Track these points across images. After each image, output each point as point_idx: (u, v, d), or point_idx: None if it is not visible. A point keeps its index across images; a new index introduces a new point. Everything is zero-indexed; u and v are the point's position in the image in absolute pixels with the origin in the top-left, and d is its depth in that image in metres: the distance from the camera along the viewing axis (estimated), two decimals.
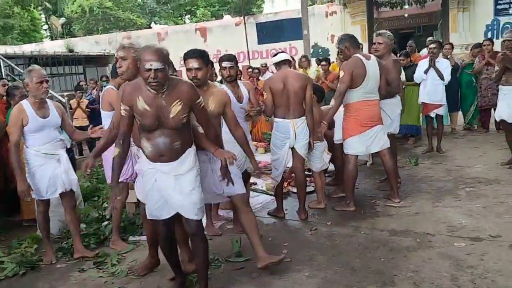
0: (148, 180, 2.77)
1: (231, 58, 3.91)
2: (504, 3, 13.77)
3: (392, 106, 4.78)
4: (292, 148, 4.17)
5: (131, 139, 2.86)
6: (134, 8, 27.24)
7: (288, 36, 16.48)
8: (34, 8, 25.62)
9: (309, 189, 4.68)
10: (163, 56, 2.52)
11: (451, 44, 7.85)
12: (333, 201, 4.68)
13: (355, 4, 14.98)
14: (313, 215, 4.34)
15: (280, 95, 4.04)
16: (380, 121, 4.34)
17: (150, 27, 22.93)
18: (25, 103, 3.62)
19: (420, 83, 6.48)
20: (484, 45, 7.37)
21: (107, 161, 3.80)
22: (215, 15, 27.08)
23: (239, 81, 4.09)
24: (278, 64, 4.19)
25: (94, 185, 5.59)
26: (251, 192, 4.77)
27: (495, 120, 6.09)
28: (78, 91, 9.11)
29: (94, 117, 8.48)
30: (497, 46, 8.11)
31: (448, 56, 7.23)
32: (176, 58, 4.06)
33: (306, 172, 4.49)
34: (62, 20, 26.84)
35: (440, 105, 6.38)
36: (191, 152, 2.74)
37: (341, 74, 4.17)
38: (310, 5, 17.28)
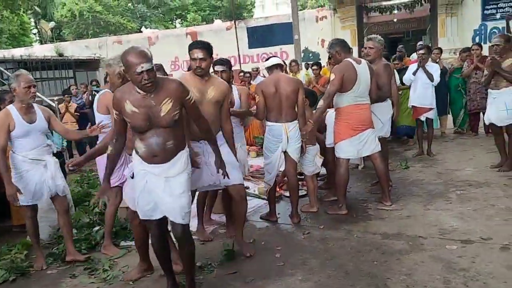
0: (139, 181, 2.78)
1: (224, 62, 3.93)
2: (491, 8, 13.97)
3: (383, 110, 4.80)
4: (285, 152, 4.18)
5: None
6: (125, 12, 27.19)
7: (278, 40, 16.54)
8: (23, 12, 25.35)
9: (301, 192, 4.68)
10: (148, 56, 2.55)
11: (440, 49, 8.00)
12: (325, 204, 4.69)
13: (345, 9, 15.10)
14: (305, 219, 4.34)
15: (272, 99, 4.05)
16: (371, 125, 4.36)
17: (140, 31, 22.85)
18: (12, 108, 3.57)
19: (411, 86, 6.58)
20: (473, 50, 7.47)
21: (100, 164, 3.78)
22: (205, 20, 27.13)
23: (232, 86, 4.11)
24: (270, 68, 4.20)
25: (85, 190, 5.54)
26: None
27: (484, 123, 6.16)
28: (66, 95, 9.05)
29: (83, 121, 8.43)
30: (485, 50, 8.24)
31: (437, 60, 7.33)
32: (167, 62, 4.07)
33: (298, 176, 4.50)
34: (52, 24, 26.69)
35: (430, 109, 6.46)
36: (183, 154, 2.74)
37: (332, 76, 4.19)
38: (301, 10, 17.36)
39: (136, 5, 28.35)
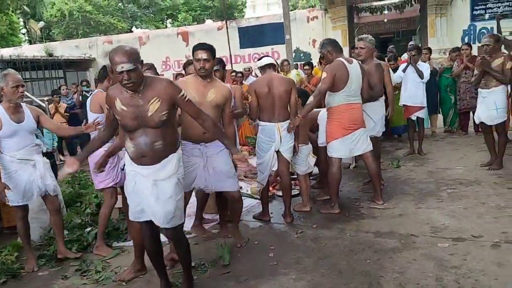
0: (129, 182, 2.78)
1: (217, 61, 3.93)
2: (480, 9, 14.12)
3: (375, 109, 4.83)
4: (278, 152, 4.19)
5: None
6: (115, 12, 26.98)
7: (270, 40, 16.56)
8: (12, 11, 25.09)
9: (294, 192, 4.69)
10: (132, 56, 2.52)
11: (429, 49, 8.11)
12: (318, 204, 4.71)
13: (335, 9, 15.16)
14: (298, 218, 4.35)
15: (265, 99, 4.06)
16: (363, 124, 4.38)
17: (131, 31, 22.73)
18: None
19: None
20: (463, 49, 7.55)
21: (92, 166, 3.75)
22: (196, 20, 27.04)
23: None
24: (263, 68, 4.20)
25: (76, 190, 5.49)
26: None
27: (474, 122, 6.22)
28: (55, 95, 8.97)
29: (74, 122, 8.36)
30: (474, 50, 8.33)
31: (426, 61, 7.41)
32: (158, 62, 4.07)
33: (291, 176, 4.51)
34: (41, 24, 26.42)
35: (421, 108, 6.52)
36: (174, 157, 2.71)
37: (324, 75, 4.20)
38: (292, 10, 17.39)
39: (126, 5, 28.17)
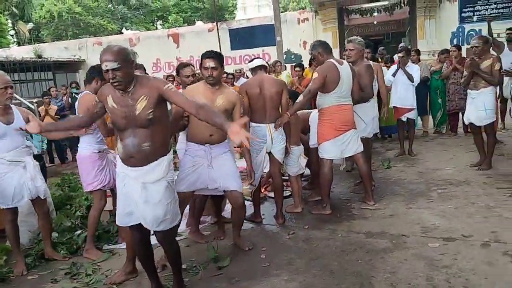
0: (118, 184, 2.77)
1: None
2: (468, 11, 14.24)
3: (366, 110, 4.86)
4: (269, 153, 4.18)
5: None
6: (105, 14, 26.81)
7: (260, 42, 16.55)
8: (0, 13, 24.89)
9: (285, 193, 4.69)
10: (119, 55, 2.50)
11: (417, 51, 8.17)
12: (310, 205, 4.71)
13: (326, 11, 15.20)
14: (290, 219, 4.35)
15: (257, 100, 4.05)
16: (354, 126, 4.40)
17: (121, 33, 22.59)
18: None
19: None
20: (452, 51, 7.62)
21: (82, 168, 3.74)
22: (187, 21, 26.99)
23: None
24: (254, 70, 4.20)
25: (66, 193, 5.44)
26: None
27: (463, 123, 6.29)
28: (45, 97, 8.88)
29: None
30: (463, 52, 8.41)
31: (417, 63, 7.49)
32: (148, 64, 4.07)
33: (283, 177, 4.51)
34: (30, 25, 26.16)
35: (411, 109, 6.57)
36: (164, 161, 2.68)
37: (315, 75, 4.21)
38: (282, 12, 17.42)
39: (116, 6, 28.02)
